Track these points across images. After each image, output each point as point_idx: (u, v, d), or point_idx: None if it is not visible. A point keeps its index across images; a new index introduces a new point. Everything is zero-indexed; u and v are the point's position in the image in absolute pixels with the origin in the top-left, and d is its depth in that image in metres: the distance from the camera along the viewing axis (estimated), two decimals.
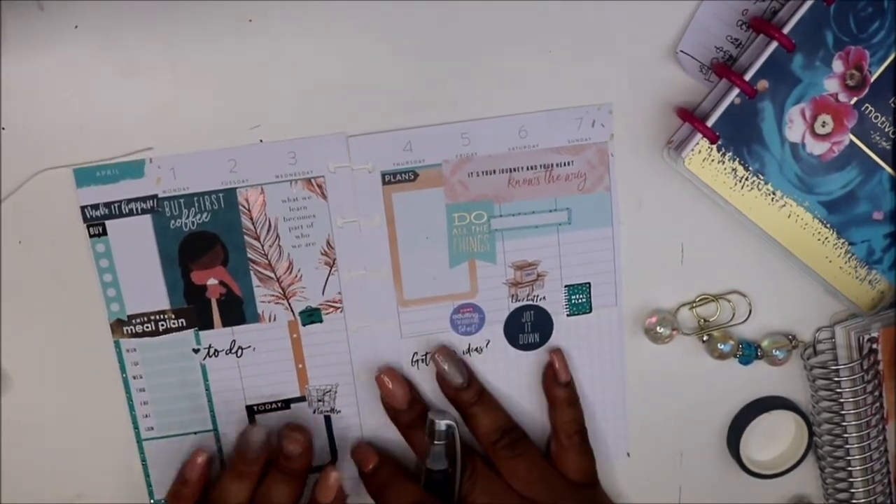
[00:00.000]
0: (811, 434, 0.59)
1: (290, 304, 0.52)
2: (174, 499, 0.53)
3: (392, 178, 0.51)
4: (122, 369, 0.52)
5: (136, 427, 0.53)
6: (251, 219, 0.50)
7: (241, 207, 0.50)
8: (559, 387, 0.54)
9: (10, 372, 0.51)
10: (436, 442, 0.52)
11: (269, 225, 0.51)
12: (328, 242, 0.52)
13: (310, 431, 0.54)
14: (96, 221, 0.49)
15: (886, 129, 0.51)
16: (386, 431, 0.56)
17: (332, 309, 0.53)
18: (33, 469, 0.51)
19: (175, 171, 0.49)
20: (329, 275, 0.52)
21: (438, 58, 0.49)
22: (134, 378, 0.52)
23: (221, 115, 0.48)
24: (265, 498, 0.52)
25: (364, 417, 0.55)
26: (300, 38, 0.48)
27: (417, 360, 0.55)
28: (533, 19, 0.49)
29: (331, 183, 0.50)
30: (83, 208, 0.49)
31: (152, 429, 0.53)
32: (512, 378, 0.56)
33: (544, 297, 0.55)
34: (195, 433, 0.54)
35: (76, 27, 0.45)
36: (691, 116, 0.50)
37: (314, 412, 0.55)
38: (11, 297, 0.50)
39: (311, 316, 0.53)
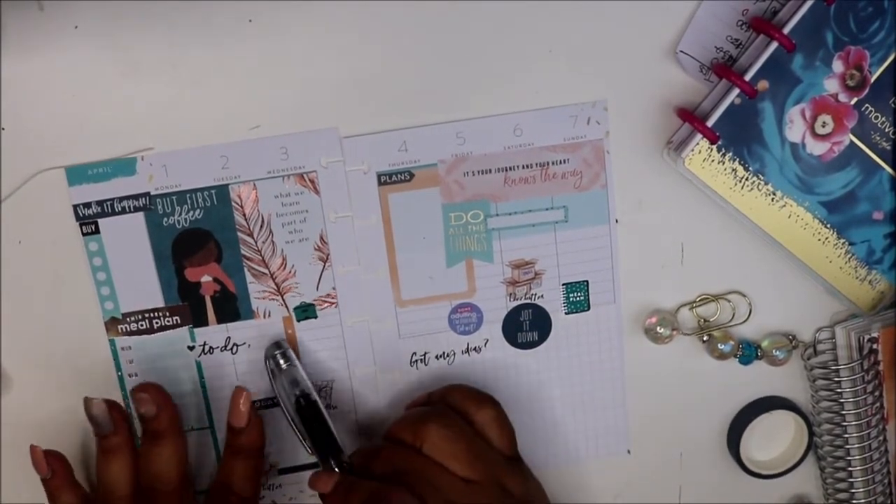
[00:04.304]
0: (811, 434, 0.61)
1: (284, 300, 0.54)
2: (52, 502, 0.52)
3: (388, 179, 0.53)
4: (118, 368, 0.54)
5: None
6: (244, 215, 0.52)
7: (233, 204, 0.52)
8: None
9: (10, 372, 0.53)
10: (288, 364, 0.54)
11: (262, 221, 0.53)
12: (321, 238, 0.53)
13: (159, 387, 0.52)
14: (89, 220, 0.51)
15: (886, 130, 0.53)
16: (383, 425, 0.57)
17: (326, 304, 0.55)
18: (33, 469, 0.51)
19: (167, 168, 0.51)
20: (323, 270, 0.54)
21: (434, 58, 0.51)
22: (130, 376, 0.54)
23: (221, 115, 0.50)
24: (147, 468, 0.51)
25: (360, 413, 0.58)
26: (299, 38, 0.49)
27: (416, 361, 0.57)
28: (533, 19, 0.51)
29: (323, 178, 0.52)
30: (75, 207, 0.50)
31: None
32: (511, 377, 0.58)
33: (542, 296, 0.57)
34: (192, 430, 0.56)
35: (76, 27, 0.47)
36: (691, 116, 0.52)
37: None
38: (12, 297, 0.51)
39: (306, 312, 0.55)
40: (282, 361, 0.54)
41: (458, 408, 0.53)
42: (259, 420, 0.54)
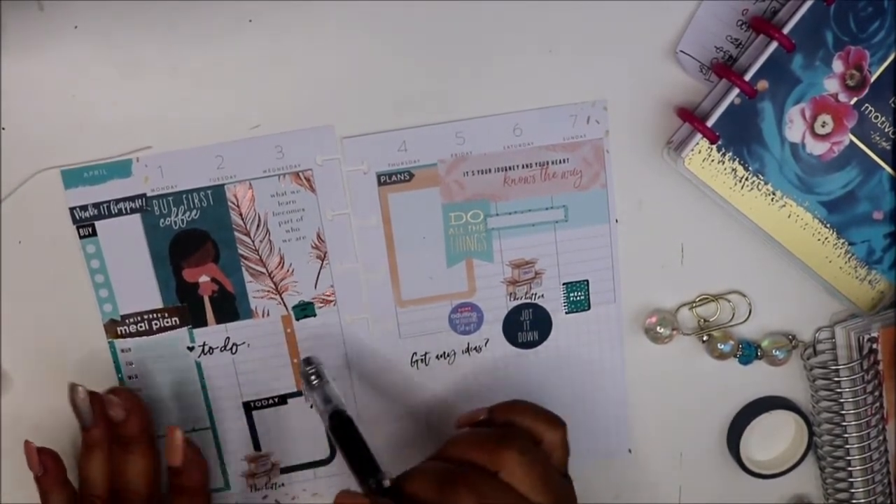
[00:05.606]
0: (811, 434, 0.62)
1: (282, 299, 0.55)
2: (44, 499, 0.51)
3: (388, 179, 0.53)
4: (118, 370, 0.54)
5: None
6: (241, 214, 0.53)
7: (230, 203, 0.52)
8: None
9: (10, 372, 0.53)
10: (318, 381, 0.52)
11: (259, 220, 0.53)
12: (318, 236, 0.54)
13: (132, 392, 0.52)
14: (86, 222, 0.51)
15: (886, 129, 0.54)
16: (384, 425, 0.58)
17: (325, 303, 0.55)
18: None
19: (162, 169, 0.51)
20: (321, 268, 0.55)
21: (434, 58, 0.51)
22: (130, 378, 0.54)
23: (221, 115, 0.50)
24: (116, 473, 0.52)
25: (360, 411, 0.58)
26: (299, 38, 0.50)
27: (417, 361, 0.57)
28: (532, 19, 0.51)
29: (319, 176, 0.53)
30: (72, 209, 0.51)
31: None
32: (511, 377, 0.59)
33: (542, 295, 0.57)
34: (193, 431, 0.56)
35: (76, 27, 0.47)
36: (691, 116, 0.52)
37: (311, 407, 0.57)
38: (12, 298, 0.52)
39: (305, 310, 0.55)
40: (313, 379, 0.53)
41: (527, 428, 0.51)
42: (199, 459, 0.53)
